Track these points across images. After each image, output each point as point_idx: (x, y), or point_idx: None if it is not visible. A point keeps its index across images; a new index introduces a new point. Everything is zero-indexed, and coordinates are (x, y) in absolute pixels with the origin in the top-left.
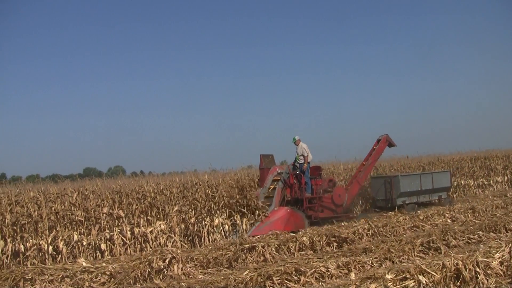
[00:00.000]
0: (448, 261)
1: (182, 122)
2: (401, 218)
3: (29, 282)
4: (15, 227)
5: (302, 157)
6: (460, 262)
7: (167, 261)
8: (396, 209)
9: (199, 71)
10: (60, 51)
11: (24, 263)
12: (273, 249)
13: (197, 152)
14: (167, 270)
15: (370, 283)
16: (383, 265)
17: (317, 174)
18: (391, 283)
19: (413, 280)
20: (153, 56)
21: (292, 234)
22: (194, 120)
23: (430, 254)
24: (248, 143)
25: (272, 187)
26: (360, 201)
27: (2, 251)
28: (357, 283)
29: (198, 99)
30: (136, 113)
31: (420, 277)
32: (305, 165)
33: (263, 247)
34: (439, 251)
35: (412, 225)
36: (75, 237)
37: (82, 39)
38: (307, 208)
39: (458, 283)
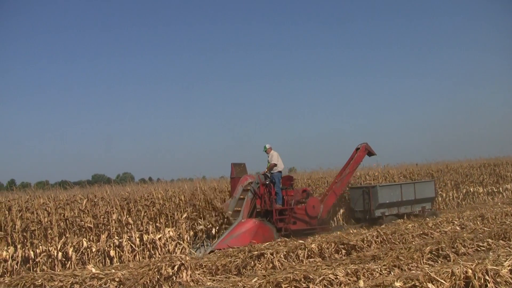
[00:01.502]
0: (457, 269)
1: (191, 127)
2: (410, 225)
3: None
4: (25, 234)
5: (275, 165)
6: (470, 270)
7: (176, 268)
8: (374, 222)
9: (208, 75)
10: (70, 56)
11: (34, 269)
12: (281, 256)
13: (206, 159)
14: (176, 277)
15: None
16: (392, 272)
17: (288, 185)
18: None
19: None
20: (163, 60)
21: (301, 241)
22: (204, 125)
23: (439, 262)
24: (258, 149)
25: (242, 197)
26: (341, 213)
27: (12, 257)
28: None
29: (207, 104)
30: (144, 119)
31: (429, 285)
32: (266, 170)
33: (271, 254)
34: (448, 258)
35: (421, 232)
36: (85, 244)
37: (85, 42)
38: (277, 220)
39: None
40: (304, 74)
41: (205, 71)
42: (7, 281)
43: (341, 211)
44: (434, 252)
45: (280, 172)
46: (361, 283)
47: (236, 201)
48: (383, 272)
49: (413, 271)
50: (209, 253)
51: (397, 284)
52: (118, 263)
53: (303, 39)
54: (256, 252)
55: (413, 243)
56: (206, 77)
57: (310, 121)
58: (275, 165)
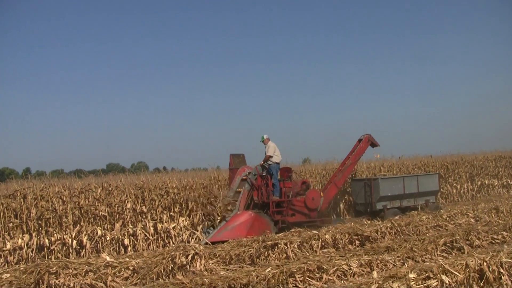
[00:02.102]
0: (472, 261)
1: (207, 118)
2: (424, 217)
3: (53, 275)
4: (40, 222)
5: (271, 157)
6: (484, 263)
7: (189, 257)
8: (376, 215)
9: (225, 64)
10: (88, 42)
11: (49, 257)
12: (295, 246)
13: (221, 149)
14: (189, 266)
15: (392, 282)
16: (405, 264)
17: (286, 176)
18: (413, 282)
19: (436, 280)
20: (175, 53)
21: (314, 232)
22: (221, 116)
23: (453, 254)
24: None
25: (239, 189)
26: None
27: (27, 245)
28: (380, 282)
29: (223, 96)
30: (159, 109)
31: (443, 277)
32: (262, 162)
33: (285, 244)
34: (462, 251)
35: (435, 224)
36: (99, 232)
37: (109, 25)
38: (274, 212)
39: (482, 284)
40: (320, 63)
41: (221, 59)
42: (22, 268)
43: (343, 203)
44: (448, 244)
45: (277, 163)
46: (375, 274)
47: (233, 192)
48: (396, 263)
49: (427, 263)
50: (204, 244)
51: (411, 275)
52: (132, 252)
53: (313, 28)
54: (270, 242)
55: (427, 235)
56: (222, 66)
57: (324, 111)
58: (271, 157)
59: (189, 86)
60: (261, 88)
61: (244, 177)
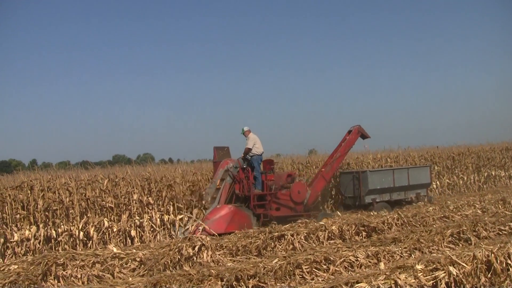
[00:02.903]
0: (479, 252)
1: (211, 110)
2: (430, 208)
3: (61, 267)
4: (47, 213)
5: (250, 150)
6: (492, 254)
7: (196, 248)
8: (364, 208)
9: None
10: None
11: (56, 249)
12: (302, 237)
13: (228, 140)
14: (196, 257)
15: (399, 273)
16: (412, 255)
17: (269, 169)
18: (421, 273)
19: (443, 271)
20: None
21: (321, 223)
22: (224, 107)
23: (460, 245)
24: (285, 131)
25: (220, 183)
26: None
27: (34, 236)
28: (387, 273)
29: (228, 86)
30: (165, 100)
31: (451, 268)
32: (242, 155)
33: (292, 235)
34: (469, 242)
35: (442, 215)
36: (106, 224)
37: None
38: (256, 206)
39: (489, 275)
40: (328, 53)
41: (229, 51)
42: (29, 259)
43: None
44: (455, 235)
45: (259, 155)
46: (382, 265)
47: (215, 186)
48: (403, 254)
49: (434, 254)
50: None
51: (418, 266)
52: (139, 243)
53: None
54: (276, 234)
55: (434, 226)
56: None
57: (330, 102)
58: (250, 149)
59: (195, 76)
60: (270, 77)
61: (226, 170)
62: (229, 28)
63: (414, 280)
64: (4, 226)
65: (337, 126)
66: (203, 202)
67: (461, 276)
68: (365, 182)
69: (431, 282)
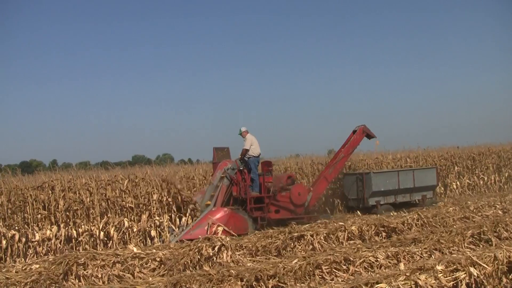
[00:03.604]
0: (500, 253)
1: (230, 111)
2: (451, 209)
3: (81, 266)
4: (67, 213)
5: (247, 151)
6: None
7: (216, 248)
8: (368, 211)
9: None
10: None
11: (77, 248)
12: (321, 238)
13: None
14: (216, 258)
15: (420, 274)
16: (432, 256)
17: (266, 170)
18: (441, 274)
19: (464, 272)
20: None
21: (340, 223)
22: (242, 108)
23: (481, 246)
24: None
25: (219, 184)
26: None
27: (55, 236)
28: (407, 274)
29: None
30: (185, 101)
31: (472, 269)
32: (240, 156)
33: (311, 236)
34: (490, 243)
35: (462, 216)
36: (126, 224)
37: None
38: (252, 209)
39: (511, 276)
40: (343, 51)
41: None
42: (51, 259)
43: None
44: (475, 236)
45: (256, 157)
46: (402, 266)
47: (213, 188)
48: (423, 255)
49: (454, 255)
50: (175, 243)
51: (439, 267)
52: (159, 243)
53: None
54: (296, 234)
55: (454, 226)
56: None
57: (350, 101)
58: (247, 150)
59: (214, 78)
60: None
61: (224, 172)
62: (240, 28)
63: (434, 281)
64: (26, 226)
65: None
66: (197, 204)
67: (482, 277)
68: (368, 184)
69: (452, 283)
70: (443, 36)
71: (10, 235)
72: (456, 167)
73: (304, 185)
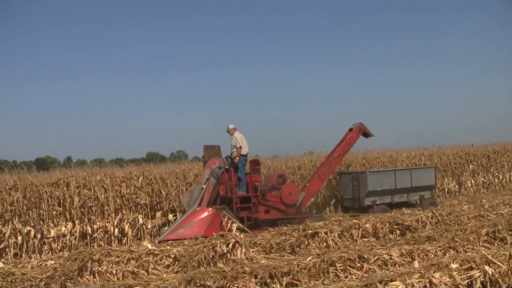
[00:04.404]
0: None
1: (243, 107)
2: (465, 207)
3: (96, 262)
4: (82, 210)
5: (235, 149)
6: None
7: (230, 245)
8: (364, 211)
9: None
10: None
11: (91, 245)
12: (335, 235)
13: (259, 138)
14: (230, 255)
15: (434, 271)
16: (447, 254)
17: (254, 169)
18: (456, 272)
19: (478, 271)
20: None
21: (355, 221)
22: (256, 105)
23: (496, 245)
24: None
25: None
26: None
27: (70, 232)
28: (421, 272)
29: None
30: (197, 98)
31: (486, 268)
32: (237, 158)
33: (325, 233)
34: (505, 241)
35: (477, 214)
36: (140, 220)
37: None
38: (238, 208)
39: None
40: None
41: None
42: (66, 255)
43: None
44: (490, 234)
45: (244, 155)
46: (416, 263)
47: (200, 186)
48: (438, 253)
49: (469, 253)
50: (158, 243)
51: (453, 265)
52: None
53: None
54: (310, 231)
55: (469, 224)
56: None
57: (363, 99)
58: (241, 148)
59: (228, 75)
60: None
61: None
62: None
63: (449, 279)
64: (41, 222)
65: (373, 121)
66: (182, 204)
67: (497, 276)
68: (364, 183)
69: (466, 281)
70: (459, 33)
71: (25, 231)
72: (470, 165)
73: (296, 185)
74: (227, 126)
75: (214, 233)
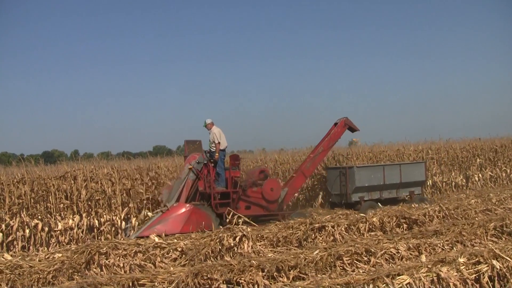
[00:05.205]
0: None
1: (252, 100)
2: (472, 201)
3: (103, 256)
4: (89, 203)
5: (214, 145)
6: None
7: (237, 239)
8: (351, 207)
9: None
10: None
11: (99, 238)
12: (342, 229)
13: (267, 131)
14: (237, 248)
15: (441, 266)
16: (454, 248)
17: (234, 165)
18: (463, 266)
19: (486, 265)
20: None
21: (362, 215)
22: (264, 98)
23: (503, 239)
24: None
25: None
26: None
27: (77, 225)
28: (429, 266)
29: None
30: (205, 90)
31: (494, 262)
32: (217, 154)
33: (332, 227)
34: None
35: (484, 208)
36: (147, 214)
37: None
38: (217, 204)
39: None
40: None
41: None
42: (73, 248)
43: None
44: (498, 229)
45: (223, 150)
46: (423, 258)
47: (180, 182)
48: (445, 247)
49: (477, 248)
50: (134, 238)
51: (461, 260)
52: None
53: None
54: (317, 225)
55: (476, 219)
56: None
57: (374, 92)
58: (219, 143)
59: (234, 68)
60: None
61: (191, 166)
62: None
63: (456, 274)
64: (49, 215)
65: (380, 115)
66: (160, 199)
67: (504, 270)
68: (352, 179)
69: (474, 275)
70: (466, 27)
71: (33, 224)
72: (478, 159)
73: (278, 181)
74: (204, 120)
75: (190, 230)
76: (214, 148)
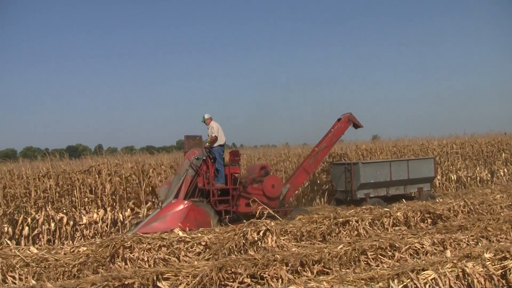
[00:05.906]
0: None
1: (274, 93)
2: (498, 196)
3: (128, 249)
4: (114, 197)
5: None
6: None
7: (261, 233)
8: (356, 204)
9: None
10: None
11: (123, 231)
12: (366, 223)
13: (291, 126)
14: (261, 242)
15: (467, 261)
16: (479, 243)
17: (233, 161)
18: (489, 262)
19: None
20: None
21: (386, 209)
22: (286, 93)
23: None
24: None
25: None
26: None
27: (102, 219)
28: (454, 261)
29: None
30: (232, 85)
31: None
32: (207, 144)
33: (356, 221)
34: None
35: (510, 203)
36: None
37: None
38: (216, 201)
39: None
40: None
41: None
42: (98, 242)
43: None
44: None
45: (221, 146)
46: (448, 253)
47: (179, 178)
48: (470, 242)
49: (502, 243)
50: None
51: (487, 255)
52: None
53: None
54: (341, 219)
55: (502, 214)
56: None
57: (396, 86)
58: (216, 138)
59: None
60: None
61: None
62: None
63: (482, 269)
64: (73, 209)
65: (403, 111)
66: (158, 196)
67: None
68: (357, 175)
69: (500, 271)
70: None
71: (58, 218)
72: (503, 153)
73: (279, 177)
74: (202, 115)
75: (190, 227)
76: (214, 144)
